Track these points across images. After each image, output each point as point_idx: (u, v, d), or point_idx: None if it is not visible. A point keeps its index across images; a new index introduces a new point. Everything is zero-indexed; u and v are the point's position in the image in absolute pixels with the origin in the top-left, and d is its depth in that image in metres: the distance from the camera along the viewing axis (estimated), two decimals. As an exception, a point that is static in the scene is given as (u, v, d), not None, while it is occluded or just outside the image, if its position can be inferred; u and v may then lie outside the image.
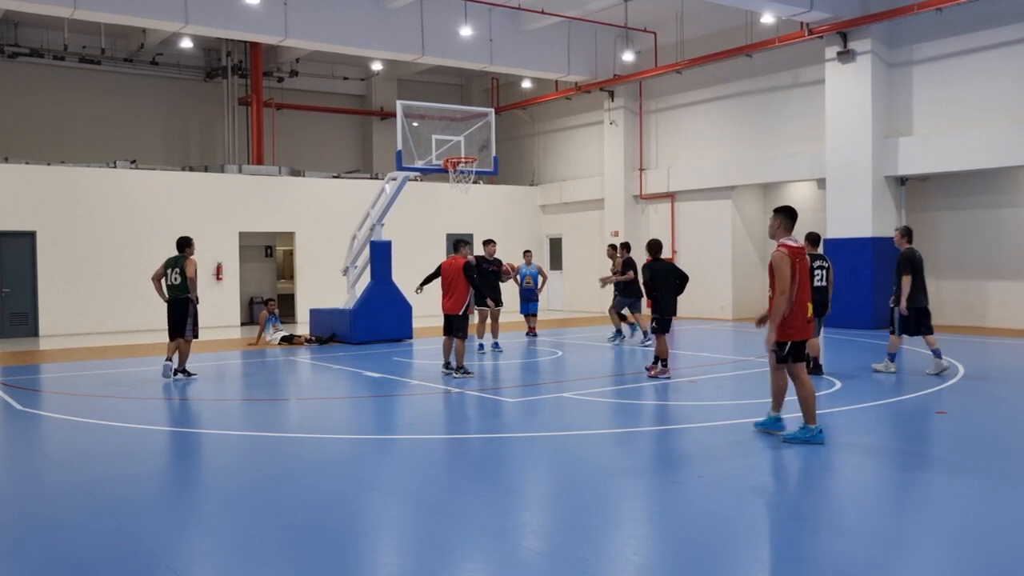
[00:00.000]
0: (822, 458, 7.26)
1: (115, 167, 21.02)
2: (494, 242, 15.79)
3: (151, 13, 17.49)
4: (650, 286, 11.79)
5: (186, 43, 22.93)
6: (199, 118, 25.60)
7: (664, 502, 6.17)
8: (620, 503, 6.18)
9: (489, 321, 15.36)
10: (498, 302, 15.04)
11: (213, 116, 25.62)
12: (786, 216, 7.80)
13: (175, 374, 12.43)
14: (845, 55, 18.27)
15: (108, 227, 20.36)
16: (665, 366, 11.74)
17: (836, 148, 18.67)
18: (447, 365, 12.39)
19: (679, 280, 11.87)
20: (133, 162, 21.69)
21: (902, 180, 18.62)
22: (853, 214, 18.37)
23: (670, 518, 5.83)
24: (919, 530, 5.45)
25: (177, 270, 12.39)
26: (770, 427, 7.91)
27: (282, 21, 18.75)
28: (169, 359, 12.48)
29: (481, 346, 15.24)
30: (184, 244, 12.55)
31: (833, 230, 18.64)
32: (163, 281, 12.53)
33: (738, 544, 5.28)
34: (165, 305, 12.60)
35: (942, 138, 17.52)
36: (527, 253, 18.05)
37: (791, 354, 7.58)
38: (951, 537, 5.36)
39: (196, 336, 12.58)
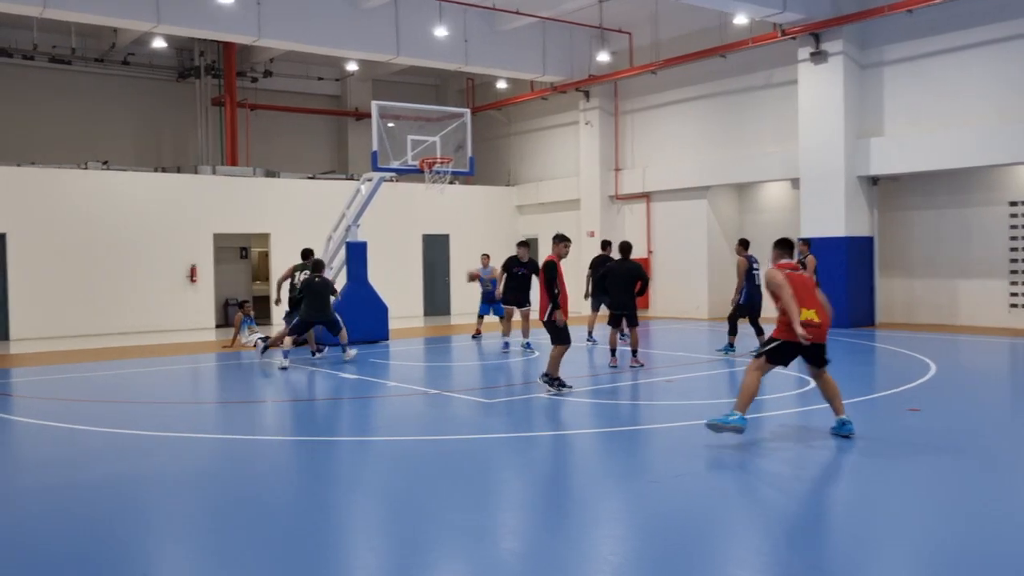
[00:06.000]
0: (796, 456, 7.33)
1: (86, 168, 20.78)
2: (528, 244, 15.66)
3: (122, 13, 17.30)
4: (603, 283, 12.88)
5: (158, 43, 22.70)
6: (172, 119, 25.37)
7: (641, 502, 6.20)
8: (597, 503, 6.20)
9: (519, 319, 15.47)
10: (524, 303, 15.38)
11: (186, 117, 25.41)
12: (776, 247, 8.37)
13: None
14: (817, 56, 18.43)
15: (80, 229, 20.12)
16: (613, 355, 13.00)
17: (809, 148, 18.83)
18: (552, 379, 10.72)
19: (641, 280, 12.81)
20: (105, 163, 21.46)
21: (874, 180, 18.81)
22: (826, 214, 18.53)
23: (647, 518, 5.85)
24: (894, 527, 5.50)
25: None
26: (840, 431, 7.91)
27: (256, 21, 18.62)
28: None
29: (506, 344, 15.51)
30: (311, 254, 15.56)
31: (807, 230, 18.77)
32: (289, 281, 15.12)
33: (715, 543, 5.31)
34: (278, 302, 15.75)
35: (913, 138, 17.71)
36: (485, 256, 18.07)
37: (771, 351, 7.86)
38: (924, 532, 5.42)
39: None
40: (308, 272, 14.58)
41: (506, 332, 15.67)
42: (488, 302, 17.29)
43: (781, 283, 7.77)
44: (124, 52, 23.82)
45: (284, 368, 13.48)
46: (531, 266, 15.17)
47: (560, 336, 10.43)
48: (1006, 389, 11.59)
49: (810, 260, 16.20)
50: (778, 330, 7.80)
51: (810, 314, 7.70)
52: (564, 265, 10.72)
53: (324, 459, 7.86)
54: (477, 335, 17.62)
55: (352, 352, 14.36)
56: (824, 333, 7.85)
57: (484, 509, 6.07)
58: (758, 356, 7.94)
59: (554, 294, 10.34)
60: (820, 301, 7.89)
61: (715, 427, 7.64)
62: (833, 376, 8.00)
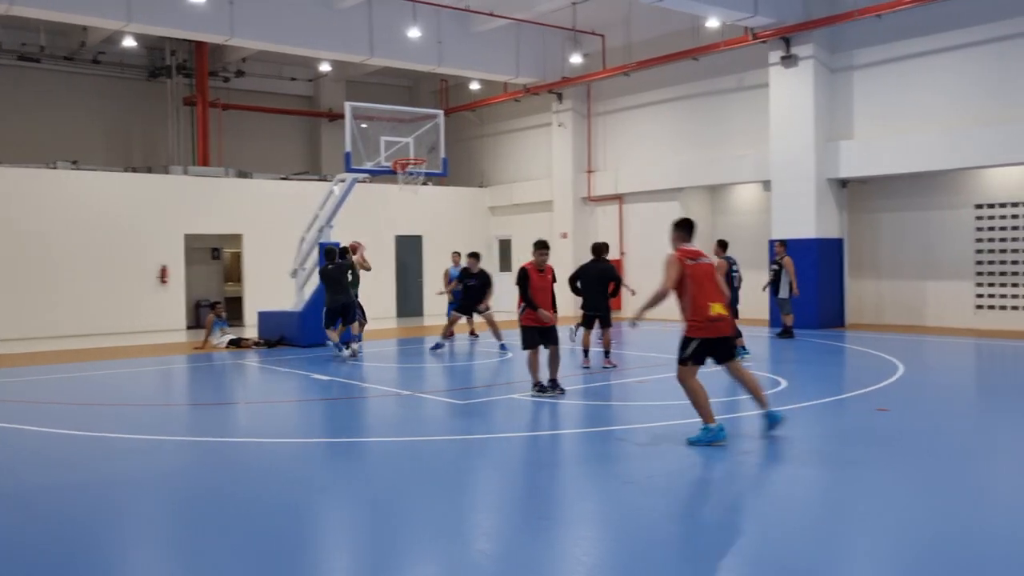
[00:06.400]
0: (767, 456, 7.40)
1: (55, 168, 20.55)
2: (478, 256, 16.34)
3: (92, 10, 17.13)
4: (578, 284, 12.98)
5: (129, 42, 22.47)
6: (142, 118, 25.13)
7: (614, 503, 6.23)
8: (570, 504, 6.24)
9: (482, 323, 16.17)
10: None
11: (157, 116, 25.18)
12: (677, 228, 7.88)
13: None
14: (788, 60, 18.62)
15: (49, 229, 19.87)
16: (586, 356, 13.02)
17: (780, 151, 19.01)
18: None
19: (614, 281, 12.94)
20: (74, 163, 21.23)
21: (843, 183, 19.03)
22: (797, 216, 18.72)
23: (620, 519, 5.89)
24: (864, 527, 5.58)
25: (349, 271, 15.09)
26: (771, 425, 7.84)
27: (228, 20, 18.50)
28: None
29: (438, 344, 15.97)
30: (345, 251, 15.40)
31: (778, 231, 18.94)
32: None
33: (689, 544, 5.36)
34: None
35: (881, 142, 17.95)
36: (456, 255, 18.19)
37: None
38: (894, 532, 5.50)
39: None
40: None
41: (446, 335, 16.28)
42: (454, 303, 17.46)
43: (665, 269, 7.50)
44: (94, 51, 23.57)
45: (354, 355, 14.43)
46: (482, 276, 15.96)
47: (525, 340, 10.47)
48: (973, 389, 11.78)
49: (787, 261, 16.43)
50: (690, 330, 7.59)
51: (717, 308, 7.47)
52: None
53: (299, 461, 7.83)
54: (451, 336, 17.64)
55: (345, 352, 14.54)
56: (730, 326, 7.68)
57: (457, 510, 6.08)
58: (683, 363, 7.63)
59: (528, 299, 10.34)
60: (725, 292, 7.74)
61: (698, 445, 7.54)
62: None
